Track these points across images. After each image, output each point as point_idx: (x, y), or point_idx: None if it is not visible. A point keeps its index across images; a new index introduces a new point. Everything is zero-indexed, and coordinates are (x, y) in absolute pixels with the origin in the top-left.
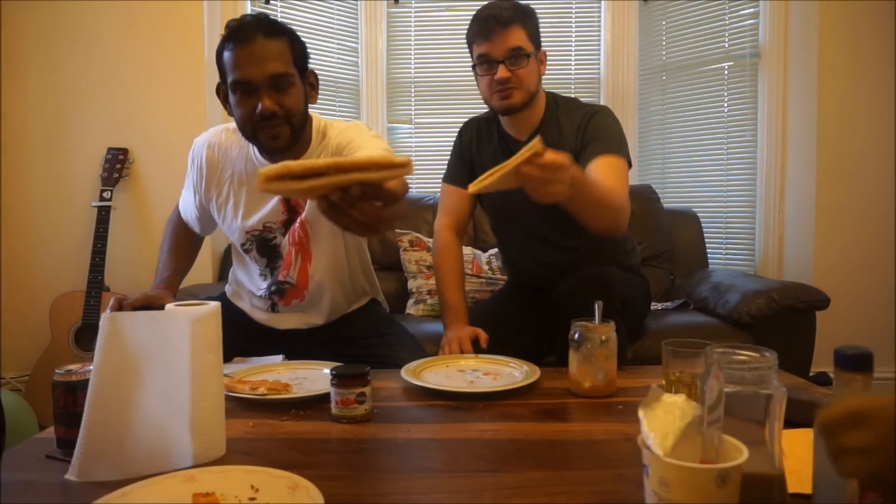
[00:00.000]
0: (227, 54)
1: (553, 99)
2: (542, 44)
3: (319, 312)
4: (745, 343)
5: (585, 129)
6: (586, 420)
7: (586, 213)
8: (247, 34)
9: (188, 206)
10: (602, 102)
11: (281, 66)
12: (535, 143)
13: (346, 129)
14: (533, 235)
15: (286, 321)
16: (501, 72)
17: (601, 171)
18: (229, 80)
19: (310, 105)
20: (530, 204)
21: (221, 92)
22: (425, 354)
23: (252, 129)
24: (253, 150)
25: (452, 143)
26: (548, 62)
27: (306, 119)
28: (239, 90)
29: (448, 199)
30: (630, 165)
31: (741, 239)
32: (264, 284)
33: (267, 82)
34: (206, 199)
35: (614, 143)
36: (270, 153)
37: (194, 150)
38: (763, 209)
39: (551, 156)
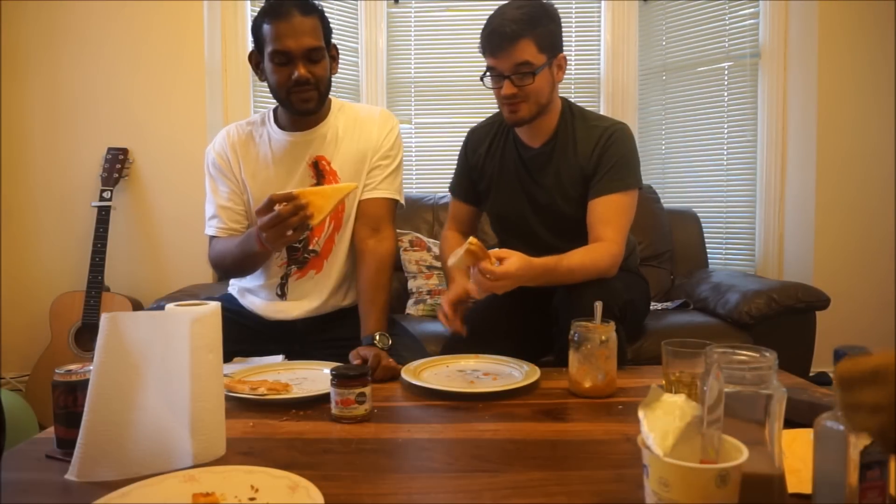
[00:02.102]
0: (266, 27)
1: (568, 106)
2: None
3: (324, 293)
4: (745, 343)
5: (603, 152)
6: (586, 420)
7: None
8: (285, 10)
9: (222, 219)
10: (602, 102)
11: (315, 41)
12: (473, 246)
13: (395, 156)
14: (537, 245)
15: (291, 308)
16: (507, 88)
17: (603, 216)
18: (268, 50)
19: (332, 74)
20: (535, 216)
21: (254, 58)
22: (426, 354)
23: (286, 93)
24: (270, 128)
25: (453, 145)
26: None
27: (330, 87)
28: (277, 59)
29: (455, 210)
30: (641, 187)
31: (741, 239)
32: (282, 262)
33: (303, 54)
34: (241, 190)
35: (628, 175)
36: (300, 115)
37: (215, 149)
38: (763, 209)
39: (490, 271)
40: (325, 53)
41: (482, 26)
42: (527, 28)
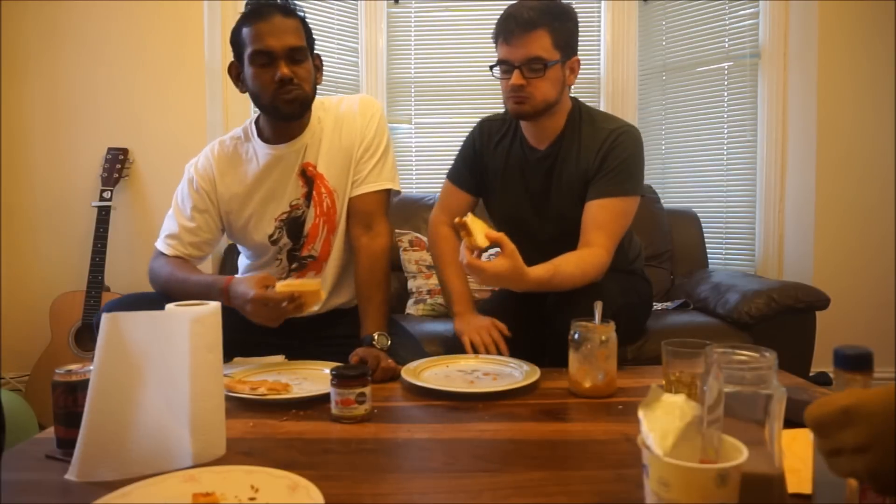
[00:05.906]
0: (245, 30)
1: (578, 108)
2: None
3: (326, 291)
4: (745, 343)
5: (606, 155)
6: (586, 420)
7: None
8: (266, 11)
9: (182, 241)
10: (602, 102)
11: (297, 40)
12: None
13: (378, 140)
14: (539, 246)
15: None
16: (515, 78)
17: (596, 219)
18: (248, 51)
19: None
20: (538, 218)
21: (234, 70)
22: (425, 354)
23: (271, 96)
24: (255, 143)
25: (453, 145)
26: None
27: (315, 94)
28: (258, 60)
29: (449, 197)
30: (641, 195)
31: (741, 239)
32: (282, 269)
33: (285, 53)
34: (223, 210)
35: (628, 181)
36: (286, 119)
37: (197, 169)
38: (763, 209)
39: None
40: (307, 55)
41: (483, 26)
42: (545, 18)
